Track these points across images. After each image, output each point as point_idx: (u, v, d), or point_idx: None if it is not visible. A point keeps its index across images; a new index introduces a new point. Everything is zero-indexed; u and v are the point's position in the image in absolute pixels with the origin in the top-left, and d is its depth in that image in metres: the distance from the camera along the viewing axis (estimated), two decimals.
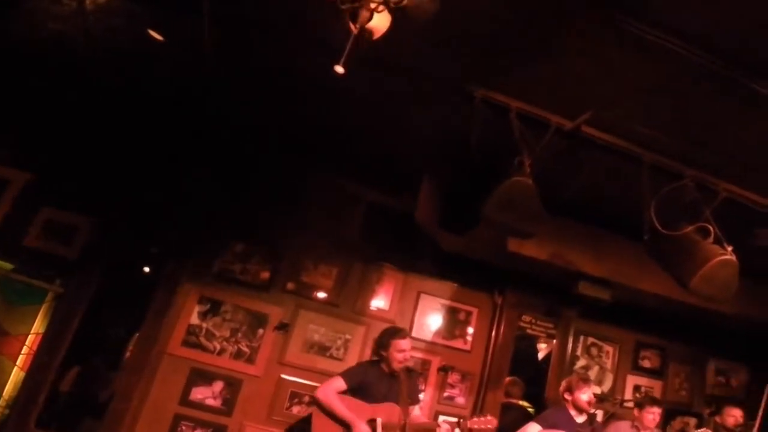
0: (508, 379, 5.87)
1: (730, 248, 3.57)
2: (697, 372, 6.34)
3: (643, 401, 5.10)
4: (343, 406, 4.00)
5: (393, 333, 4.33)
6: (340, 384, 4.11)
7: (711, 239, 3.59)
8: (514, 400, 6.05)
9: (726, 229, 3.61)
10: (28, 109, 4.94)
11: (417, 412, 4.35)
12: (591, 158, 3.97)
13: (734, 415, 5.20)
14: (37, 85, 4.75)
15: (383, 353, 4.26)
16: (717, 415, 5.50)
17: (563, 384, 4.73)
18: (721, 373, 6.37)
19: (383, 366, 4.26)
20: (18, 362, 5.12)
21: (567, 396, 4.59)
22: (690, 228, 3.63)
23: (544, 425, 4.45)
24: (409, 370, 4.28)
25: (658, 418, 4.93)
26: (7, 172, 4.87)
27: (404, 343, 4.23)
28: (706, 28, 2.79)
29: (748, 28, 2.73)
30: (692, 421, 6.15)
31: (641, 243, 3.89)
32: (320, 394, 4.06)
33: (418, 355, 5.32)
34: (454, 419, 4.19)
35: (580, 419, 4.56)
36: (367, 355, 5.23)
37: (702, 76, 3.04)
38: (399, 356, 4.19)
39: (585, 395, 4.55)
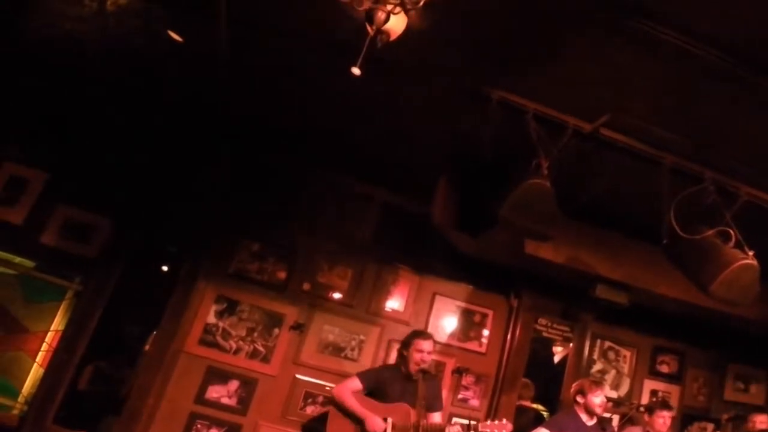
0: None
1: (751, 253, 3.52)
2: (716, 377, 6.24)
3: (653, 405, 5.03)
4: (356, 402, 4.09)
5: (417, 333, 4.40)
6: (356, 384, 4.19)
7: (732, 243, 3.54)
8: (525, 403, 6.01)
9: (747, 233, 3.55)
10: (49, 110, 5.01)
11: (437, 419, 4.31)
12: (609, 161, 3.93)
13: (757, 420, 5.10)
14: (56, 85, 4.81)
15: (404, 353, 4.31)
16: (742, 422, 5.41)
17: (575, 387, 4.66)
18: (740, 379, 6.26)
19: (402, 368, 4.30)
20: (37, 359, 5.18)
21: (579, 399, 4.52)
22: (710, 232, 3.58)
23: (553, 429, 4.41)
24: (424, 373, 4.27)
25: (668, 422, 4.84)
26: (27, 171, 4.97)
27: (425, 344, 4.25)
28: (722, 29, 2.75)
29: (762, 27, 2.69)
30: (710, 426, 6.07)
31: (659, 246, 3.84)
32: (336, 392, 4.18)
33: (433, 356, 5.30)
34: (466, 421, 4.17)
35: (591, 423, 4.50)
36: (381, 356, 5.25)
37: (719, 77, 3.00)
38: (417, 356, 4.21)
39: (598, 398, 4.47)
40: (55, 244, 4.89)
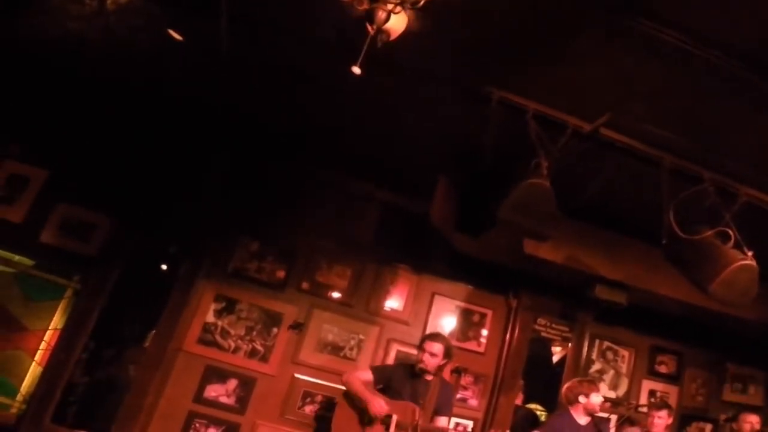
0: None
1: (750, 253, 3.52)
2: (714, 378, 6.25)
3: (652, 405, 5.06)
4: (363, 387, 4.16)
5: (428, 335, 4.54)
6: (367, 375, 4.31)
7: (731, 244, 3.54)
8: (518, 402, 6.01)
9: (746, 233, 3.56)
10: (49, 107, 5.00)
11: (443, 423, 4.34)
12: (609, 161, 3.93)
13: (750, 421, 5.12)
14: (56, 84, 4.81)
15: (417, 352, 4.42)
16: (733, 422, 5.43)
17: (569, 388, 4.65)
18: (739, 379, 6.27)
19: (413, 368, 4.36)
20: (36, 358, 5.17)
21: (582, 399, 4.53)
22: (709, 232, 3.58)
23: None
24: (422, 371, 4.30)
25: (665, 422, 4.84)
26: (27, 169, 4.96)
27: (431, 346, 4.33)
28: (722, 30, 2.75)
29: (764, 28, 2.69)
30: (708, 427, 6.07)
31: (658, 247, 3.84)
32: (346, 376, 4.29)
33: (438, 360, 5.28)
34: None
35: (585, 423, 4.51)
36: (380, 355, 5.26)
37: (720, 77, 3.01)
38: (420, 355, 4.34)
39: (599, 398, 4.53)
40: (55, 243, 4.88)
